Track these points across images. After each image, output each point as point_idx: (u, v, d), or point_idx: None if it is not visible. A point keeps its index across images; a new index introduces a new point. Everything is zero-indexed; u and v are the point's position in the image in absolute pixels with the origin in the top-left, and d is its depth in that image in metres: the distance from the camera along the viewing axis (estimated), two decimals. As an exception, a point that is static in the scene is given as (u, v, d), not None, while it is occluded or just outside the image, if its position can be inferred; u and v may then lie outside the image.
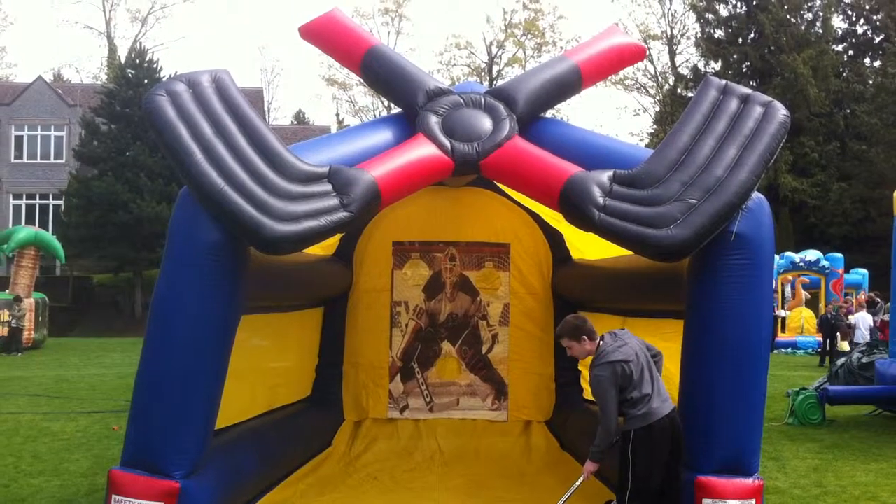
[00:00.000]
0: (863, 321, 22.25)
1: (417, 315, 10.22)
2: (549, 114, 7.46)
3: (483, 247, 10.25)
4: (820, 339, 26.38)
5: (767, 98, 6.44)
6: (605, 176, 6.06)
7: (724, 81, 6.57)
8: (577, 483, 6.50)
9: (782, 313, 29.90)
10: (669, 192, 5.91)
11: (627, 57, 7.79)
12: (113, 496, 5.82)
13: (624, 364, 6.04)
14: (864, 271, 34.99)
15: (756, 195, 6.13)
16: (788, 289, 31.42)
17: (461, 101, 6.98)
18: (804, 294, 31.32)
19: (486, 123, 6.83)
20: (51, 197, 46.32)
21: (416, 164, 6.46)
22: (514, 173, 6.73)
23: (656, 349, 6.57)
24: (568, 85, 7.25)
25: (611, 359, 6.07)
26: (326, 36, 7.38)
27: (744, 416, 6.13)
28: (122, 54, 54.64)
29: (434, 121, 6.79)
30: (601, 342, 6.24)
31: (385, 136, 6.81)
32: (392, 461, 9.42)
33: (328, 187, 5.87)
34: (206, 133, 5.79)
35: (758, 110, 6.29)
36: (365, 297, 10.12)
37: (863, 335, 21.48)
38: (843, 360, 15.75)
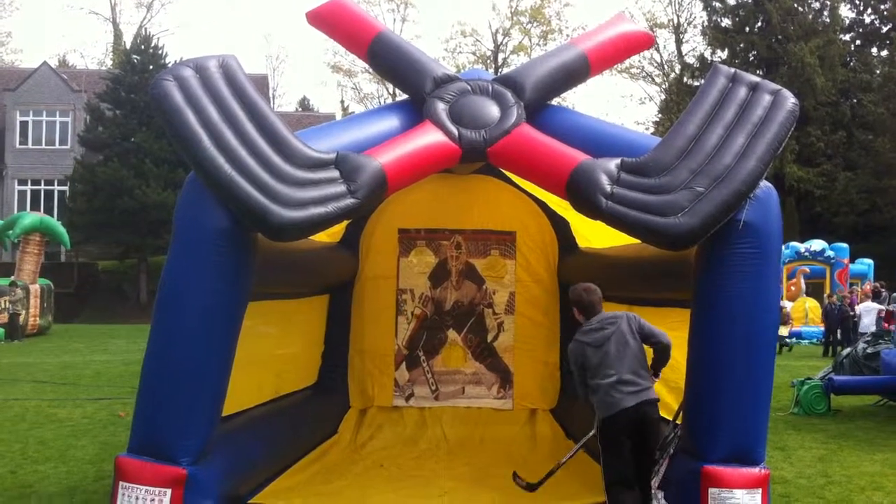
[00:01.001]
0: (867, 311, 22.19)
1: (423, 303, 10.22)
2: (555, 102, 7.42)
3: (489, 235, 10.24)
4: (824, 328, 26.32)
5: (776, 86, 6.40)
6: (612, 164, 6.03)
7: (732, 69, 6.53)
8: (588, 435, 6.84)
9: (787, 304, 29.86)
10: (677, 180, 5.88)
11: (635, 45, 7.76)
12: (120, 482, 5.81)
13: (586, 346, 6.38)
14: (870, 261, 34.87)
15: (764, 184, 6.09)
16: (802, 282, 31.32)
17: (468, 88, 6.95)
18: (803, 284, 31.28)
19: (493, 111, 6.80)
20: (56, 183, 46.30)
21: (424, 151, 6.44)
22: (522, 161, 6.70)
23: (662, 339, 6.54)
24: (575, 72, 7.22)
25: (577, 337, 6.50)
26: (334, 21, 7.35)
27: (750, 405, 6.10)
28: (128, 40, 54.47)
29: (441, 108, 6.77)
30: (587, 321, 6.56)
31: (392, 122, 6.80)
32: (398, 449, 9.43)
33: (335, 174, 5.85)
34: (214, 119, 5.77)
35: (766, 98, 6.25)
36: (371, 285, 10.12)
37: (868, 325, 21.42)
38: (848, 350, 15.72)
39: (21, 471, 8.87)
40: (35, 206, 44.18)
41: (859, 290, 28.96)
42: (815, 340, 28.55)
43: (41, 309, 28.67)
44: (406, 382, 10.13)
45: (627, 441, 6.26)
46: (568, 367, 10.00)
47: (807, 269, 31.42)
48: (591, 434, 6.88)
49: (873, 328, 20.16)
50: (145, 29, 51.60)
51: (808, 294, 31.43)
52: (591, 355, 6.35)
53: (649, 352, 6.61)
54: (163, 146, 39.07)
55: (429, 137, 6.52)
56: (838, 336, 24.30)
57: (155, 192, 38.50)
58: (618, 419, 6.23)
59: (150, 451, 5.83)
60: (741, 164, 5.90)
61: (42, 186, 47.24)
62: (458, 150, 6.61)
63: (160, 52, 43.55)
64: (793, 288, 31.33)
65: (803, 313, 30.28)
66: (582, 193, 6.02)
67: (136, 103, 41.29)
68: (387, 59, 7.21)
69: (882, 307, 22.42)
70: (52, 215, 36.73)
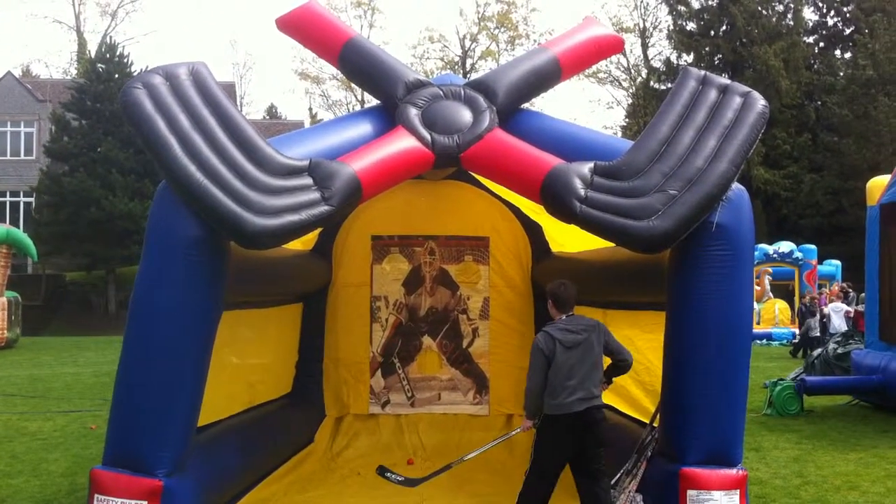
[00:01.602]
0: (836, 311, 22.42)
1: (397, 309, 10.19)
2: (526, 106, 7.43)
3: (462, 240, 10.24)
4: (797, 329, 26.54)
5: (746, 88, 6.43)
6: (586, 168, 6.03)
7: (703, 72, 6.56)
8: (512, 433, 7.26)
9: (756, 306, 30.09)
10: (650, 183, 5.89)
11: (606, 48, 7.78)
12: (95, 495, 5.75)
13: (559, 342, 6.45)
14: (837, 262, 35.26)
15: (736, 186, 6.13)
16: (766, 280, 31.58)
17: (441, 93, 6.93)
18: (767, 285, 31.53)
19: (466, 116, 6.79)
20: (21, 194, 45.82)
21: (397, 156, 6.41)
22: (495, 166, 6.69)
23: (627, 358, 6.75)
24: (547, 76, 7.22)
25: (551, 331, 6.54)
26: (304, 28, 7.31)
27: (727, 406, 6.13)
28: (93, 49, 53.93)
29: (414, 113, 6.74)
30: (562, 317, 6.69)
31: (365, 128, 6.76)
32: (374, 457, 9.38)
33: (308, 181, 5.81)
34: (185, 126, 5.71)
35: (737, 101, 6.29)
36: (344, 292, 10.09)
37: (837, 325, 21.64)
38: (819, 350, 15.87)
39: (-8, 486, 8.74)
40: (1, 219, 43.68)
41: (828, 291, 29.27)
42: (785, 342, 28.79)
43: (9, 322, 28.28)
44: (382, 390, 10.10)
45: (568, 437, 6.47)
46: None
47: (770, 270, 31.67)
48: (507, 436, 7.33)
49: (844, 328, 20.37)
50: (110, 37, 51.04)
51: (775, 296, 31.71)
52: (559, 353, 6.45)
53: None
54: (129, 156, 38.79)
55: (402, 143, 6.50)
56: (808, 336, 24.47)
57: (122, 203, 38.14)
58: (562, 420, 6.43)
59: (126, 463, 5.76)
60: (713, 167, 5.92)
61: (7, 198, 46.72)
62: (431, 155, 6.59)
63: (126, 60, 43.22)
64: (757, 288, 31.57)
65: (773, 314, 30.52)
66: (556, 197, 6.02)
67: (101, 113, 40.96)
68: (358, 64, 7.17)
69: (850, 308, 22.68)
70: (18, 227, 36.31)
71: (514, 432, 7.24)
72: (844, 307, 22.71)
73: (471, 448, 9.51)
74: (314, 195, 5.76)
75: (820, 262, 33.50)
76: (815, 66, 52.77)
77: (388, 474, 7.58)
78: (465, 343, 10.22)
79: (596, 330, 6.63)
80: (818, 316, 23.80)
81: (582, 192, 5.92)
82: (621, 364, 6.76)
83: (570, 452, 6.51)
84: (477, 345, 10.22)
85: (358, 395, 10.05)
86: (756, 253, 30.57)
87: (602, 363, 6.67)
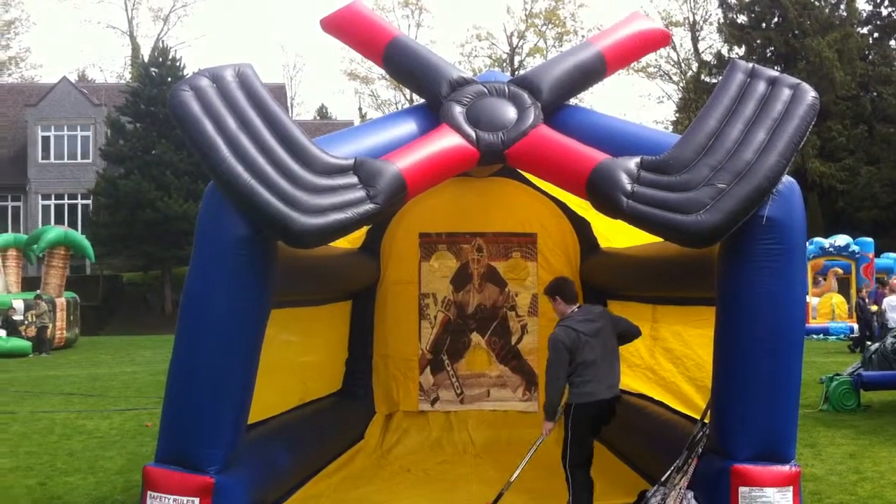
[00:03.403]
0: (893, 306, 21.90)
1: (446, 307, 10.21)
2: (572, 102, 7.39)
3: (510, 237, 10.22)
4: (854, 324, 26.05)
5: (795, 80, 6.32)
6: (632, 162, 5.98)
7: (750, 64, 6.46)
8: (538, 443, 7.25)
9: (812, 300, 29.59)
10: (698, 177, 5.82)
11: (651, 42, 7.69)
12: (148, 493, 5.85)
13: (581, 334, 6.74)
14: (895, 255, 34.56)
15: (786, 179, 6.02)
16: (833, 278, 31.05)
17: (485, 90, 6.92)
18: (834, 284, 31.03)
19: (510, 112, 6.77)
20: (79, 197, 46.71)
21: (442, 154, 6.42)
22: (540, 162, 6.67)
23: (636, 332, 7.31)
24: (592, 72, 7.16)
25: (571, 325, 6.81)
26: (348, 28, 7.34)
27: (779, 402, 6.03)
28: (146, 53, 54.83)
29: (458, 111, 6.74)
30: (574, 308, 7.02)
31: (409, 127, 6.77)
32: (424, 453, 9.43)
33: (354, 179, 5.84)
34: (231, 127, 5.77)
35: (786, 93, 6.18)
36: (393, 290, 10.13)
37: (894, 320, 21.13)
38: (876, 344, 15.56)
39: (50, 482, 8.93)
40: (59, 220, 44.55)
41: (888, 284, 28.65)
42: (842, 336, 28.30)
43: (68, 322, 28.89)
44: (431, 386, 10.13)
45: (595, 423, 6.95)
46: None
47: (839, 270, 31.13)
48: (537, 445, 7.29)
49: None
50: (162, 42, 51.93)
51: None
52: (583, 343, 6.74)
53: None
54: (183, 158, 39.35)
55: (446, 141, 6.50)
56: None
57: (176, 204, 38.75)
58: (591, 408, 6.79)
59: (178, 461, 5.85)
60: (762, 160, 5.83)
61: (65, 201, 47.63)
62: (476, 152, 6.59)
63: (178, 64, 43.84)
64: (824, 284, 31.06)
65: (830, 309, 30.02)
66: (602, 193, 5.97)
67: (155, 116, 41.59)
68: (402, 63, 7.18)
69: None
70: (75, 229, 37.08)
71: (539, 442, 7.27)
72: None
73: (521, 445, 9.54)
74: (360, 193, 5.79)
75: (878, 254, 32.86)
76: (870, 57, 51.69)
77: None
78: (514, 340, 10.21)
79: (606, 315, 7.09)
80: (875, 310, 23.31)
81: (628, 186, 5.87)
82: (628, 339, 7.35)
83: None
84: (526, 341, 10.20)
85: (407, 392, 10.09)
86: (811, 247, 30.17)
87: (618, 347, 7.09)
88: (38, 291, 27.79)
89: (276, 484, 7.14)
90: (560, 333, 6.79)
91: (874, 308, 23.33)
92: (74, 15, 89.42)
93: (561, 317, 7.08)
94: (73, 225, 42.07)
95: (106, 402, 15.20)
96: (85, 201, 45.79)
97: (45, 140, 47.87)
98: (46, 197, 47.67)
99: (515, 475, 7.36)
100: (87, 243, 30.64)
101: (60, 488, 8.68)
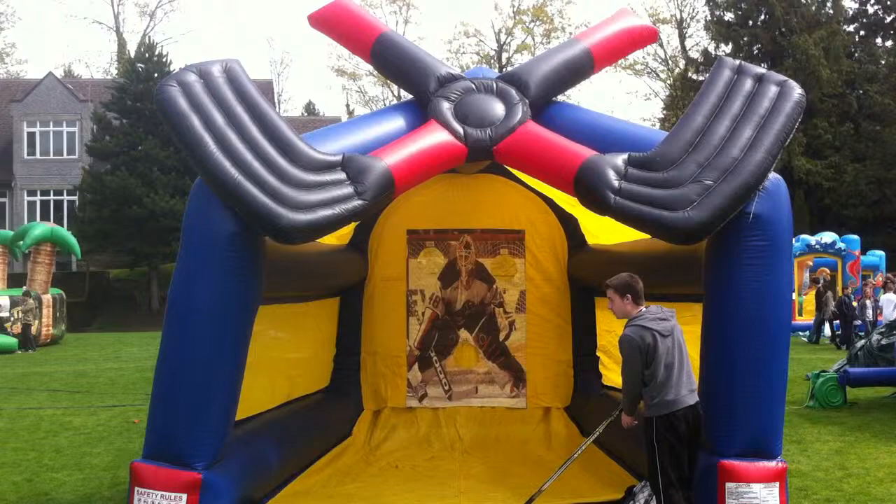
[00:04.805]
0: (889, 302, 21.98)
1: (434, 303, 10.21)
2: (560, 99, 7.40)
3: (498, 234, 10.22)
4: (838, 322, 26.15)
5: (782, 77, 6.37)
6: (619, 159, 6.01)
7: (737, 61, 6.51)
8: (578, 451, 7.00)
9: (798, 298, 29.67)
10: (685, 173, 5.85)
11: (639, 39, 7.73)
12: (135, 489, 5.84)
13: (656, 333, 6.01)
14: (881, 252, 34.68)
15: (773, 175, 6.06)
16: (806, 274, 31.10)
17: (473, 86, 6.94)
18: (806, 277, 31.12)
19: (498, 109, 6.79)
20: (65, 193, 46.43)
21: (430, 150, 6.43)
22: (528, 158, 6.69)
23: None
24: (580, 68, 7.20)
25: (644, 323, 6.07)
26: (336, 23, 7.34)
27: (765, 398, 6.07)
28: (132, 49, 54.55)
29: (446, 107, 6.76)
30: (644, 308, 6.23)
31: (397, 123, 6.79)
32: (412, 450, 9.43)
33: (342, 176, 5.85)
34: (219, 123, 5.77)
35: (773, 90, 6.23)
36: (381, 286, 10.12)
37: (890, 316, 21.20)
38: (862, 341, 15.64)
39: (37, 479, 8.89)
40: (45, 217, 44.33)
41: (871, 281, 28.79)
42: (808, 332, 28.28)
43: (54, 318, 28.77)
44: (419, 383, 10.13)
45: (685, 433, 6.02)
46: (582, 365, 10.03)
47: (827, 271, 31.19)
48: (584, 446, 7.02)
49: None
50: (149, 37, 51.64)
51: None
52: (660, 345, 6.01)
53: None
54: (170, 154, 39.24)
55: (435, 137, 6.51)
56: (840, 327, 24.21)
57: (163, 200, 38.62)
58: (678, 417, 5.99)
59: (165, 457, 5.85)
60: (749, 156, 5.87)
61: (51, 197, 47.35)
62: (464, 148, 6.60)
63: (164, 59, 43.69)
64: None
65: (814, 306, 30.08)
66: (590, 189, 6.00)
67: (142, 112, 41.45)
68: (390, 59, 7.20)
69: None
70: (61, 225, 36.89)
71: (599, 429, 6.94)
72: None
73: (509, 441, 9.57)
74: (347, 190, 5.80)
75: (864, 252, 32.99)
76: (856, 55, 51.94)
77: None
78: (502, 336, 10.21)
79: (674, 315, 6.30)
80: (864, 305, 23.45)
81: (616, 183, 5.90)
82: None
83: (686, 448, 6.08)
84: (514, 338, 10.20)
85: (395, 388, 10.08)
86: (798, 244, 30.27)
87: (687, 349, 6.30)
88: (26, 288, 27.66)
89: (263, 480, 7.13)
90: (631, 335, 6.06)
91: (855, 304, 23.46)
92: (60, 10, 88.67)
93: (625, 317, 6.30)
94: (59, 221, 41.87)
95: (93, 398, 15.14)
96: (71, 197, 45.52)
97: (31, 136, 47.56)
98: (32, 193, 47.37)
99: (550, 480, 7.03)
100: (73, 240, 30.49)
101: (47, 484, 8.65)
